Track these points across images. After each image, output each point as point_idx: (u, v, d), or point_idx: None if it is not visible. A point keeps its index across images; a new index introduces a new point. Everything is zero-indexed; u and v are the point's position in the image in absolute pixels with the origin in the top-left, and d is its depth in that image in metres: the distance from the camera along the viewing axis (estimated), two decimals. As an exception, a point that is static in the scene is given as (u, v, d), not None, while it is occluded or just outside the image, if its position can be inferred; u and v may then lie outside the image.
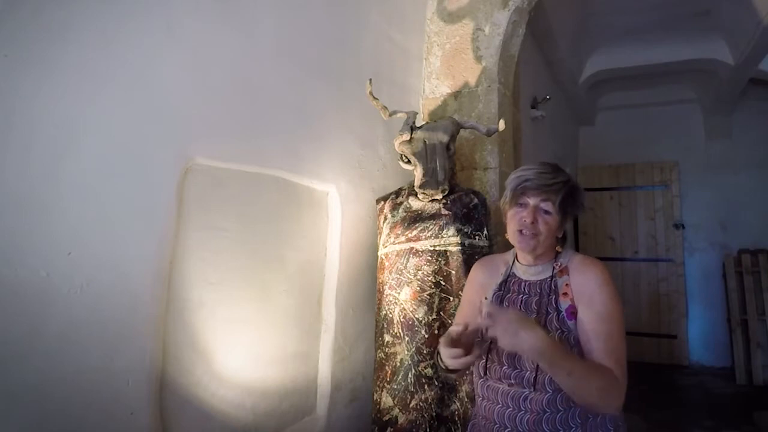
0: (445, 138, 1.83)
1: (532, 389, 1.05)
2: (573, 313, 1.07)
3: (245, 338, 1.51)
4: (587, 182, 5.42)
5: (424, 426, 1.68)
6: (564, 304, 1.09)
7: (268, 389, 1.58)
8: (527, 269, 1.19)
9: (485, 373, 1.13)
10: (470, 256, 1.78)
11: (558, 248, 1.17)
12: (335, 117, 1.94)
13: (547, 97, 3.77)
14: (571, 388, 0.97)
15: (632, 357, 4.78)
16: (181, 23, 1.34)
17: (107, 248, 1.13)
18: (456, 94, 2.48)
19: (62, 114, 1.06)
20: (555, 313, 1.08)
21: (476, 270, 1.31)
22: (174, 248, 1.30)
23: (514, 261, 1.24)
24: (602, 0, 3.65)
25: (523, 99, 3.38)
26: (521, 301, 1.16)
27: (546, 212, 1.12)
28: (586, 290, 1.08)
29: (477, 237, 1.83)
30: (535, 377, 1.05)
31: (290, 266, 1.71)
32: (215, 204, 1.44)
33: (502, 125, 1.88)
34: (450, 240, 1.79)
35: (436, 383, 1.72)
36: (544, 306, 1.11)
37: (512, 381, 1.08)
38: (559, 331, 1.07)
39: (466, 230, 1.81)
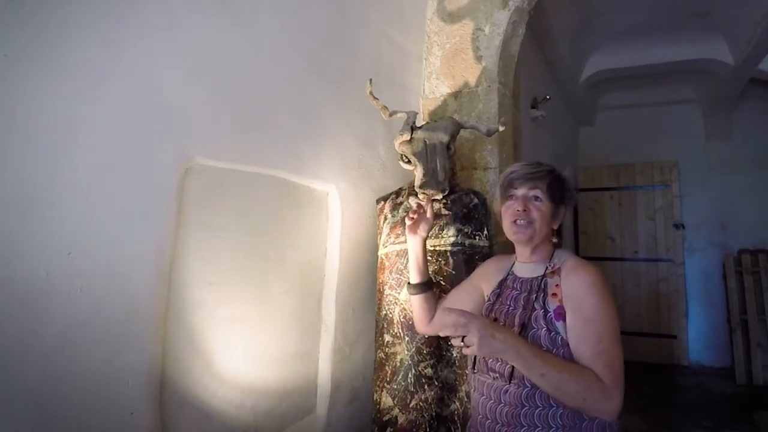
0: (445, 138, 1.83)
1: (508, 382, 1.06)
2: (561, 314, 1.06)
3: (245, 338, 1.51)
4: (587, 182, 5.43)
5: (423, 426, 1.68)
6: (552, 304, 1.08)
7: (268, 389, 1.58)
8: (521, 266, 1.21)
9: (474, 366, 1.16)
10: (470, 256, 1.78)
11: (554, 239, 1.18)
12: (335, 117, 1.94)
13: (547, 97, 3.77)
14: (549, 390, 0.99)
15: (632, 357, 4.82)
16: (181, 23, 1.34)
17: (107, 248, 1.13)
18: (456, 94, 2.48)
19: (62, 114, 1.06)
20: (542, 311, 1.08)
21: (488, 262, 1.38)
22: (174, 248, 1.30)
23: (514, 260, 1.26)
24: (602, 0, 3.65)
25: (523, 99, 3.38)
26: (512, 297, 1.18)
27: (536, 198, 1.14)
28: (575, 294, 1.06)
29: (477, 237, 1.82)
30: (512, 370, 1.06)
31: (290, 266, 1.71)
32: (215, 204, 1.44)
33: (502, 125, 1.88)
34: (450, 240, 1.79)
35: (436, 383, 1.72)
36: (531, 302, 1.11)
37: (497, 373, 1.10)
38: (545, 329, 1.06)
39: (466, 230, 1.81)
